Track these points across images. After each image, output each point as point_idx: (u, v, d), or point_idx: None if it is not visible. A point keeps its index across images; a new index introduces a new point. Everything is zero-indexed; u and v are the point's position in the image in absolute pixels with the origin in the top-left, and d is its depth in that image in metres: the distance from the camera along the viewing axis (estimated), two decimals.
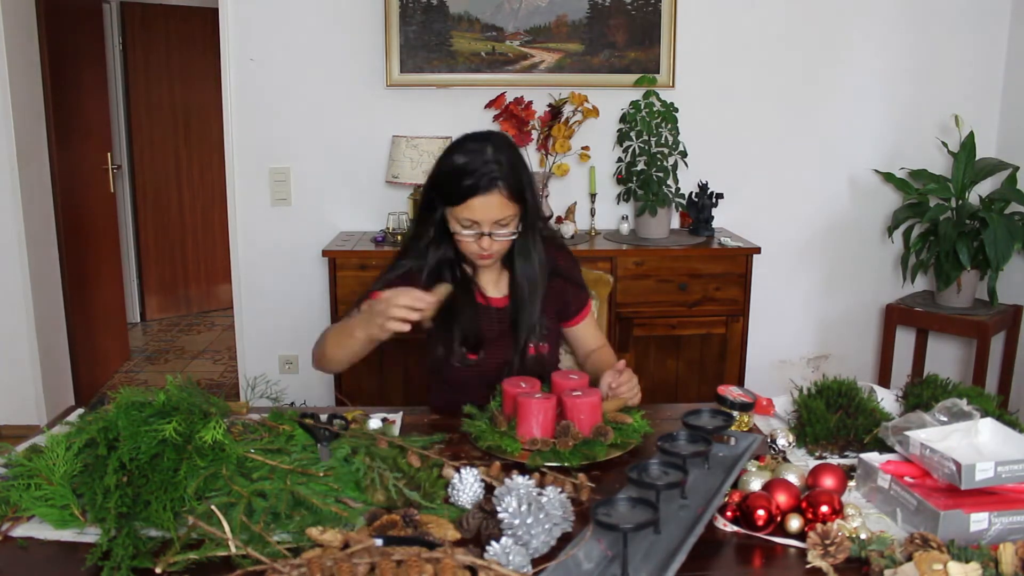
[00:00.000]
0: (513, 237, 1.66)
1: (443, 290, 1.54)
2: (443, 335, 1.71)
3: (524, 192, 1.63)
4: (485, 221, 1.61)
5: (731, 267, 3.02)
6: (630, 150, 3.12)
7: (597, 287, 2.08)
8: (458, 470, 1.25)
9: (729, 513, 1.20)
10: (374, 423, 1.49)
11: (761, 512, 1.16)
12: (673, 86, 3.26)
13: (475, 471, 1.25)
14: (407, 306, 1.45)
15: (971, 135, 3.16)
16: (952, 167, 3.21)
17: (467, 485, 1.22)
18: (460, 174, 1.59)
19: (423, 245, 1.71)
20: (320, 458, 1.26)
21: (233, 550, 1.04)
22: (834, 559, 1.08)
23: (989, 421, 1.34)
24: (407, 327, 1.47)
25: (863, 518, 1.19)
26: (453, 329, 1.70)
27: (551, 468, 1.35)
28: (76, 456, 1.20)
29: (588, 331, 1.87)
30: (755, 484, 1.26)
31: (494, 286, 1.78)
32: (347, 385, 2.96)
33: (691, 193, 3.24)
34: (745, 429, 1.53)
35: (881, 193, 3.44)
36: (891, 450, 1.34)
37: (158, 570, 1.03)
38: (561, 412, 1.47)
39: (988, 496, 1.19)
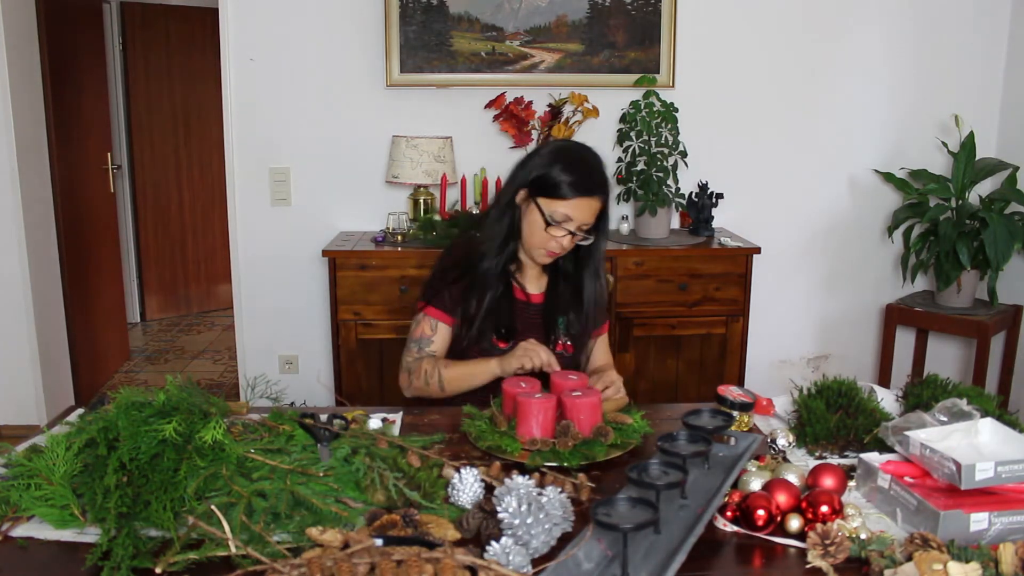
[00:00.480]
0: (587, 243, 1.78)
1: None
2: (481, 324, 1.77)
3: (608, 206, 1.78)
4: (577, 220, 1.72)
5: (731, 267, 3.02)
6: (630, 150, 3.12)
7: None
8: (458, 470, 1.25)
9: (729, 513, 1.20)
10: (374, 423, 1.49)
11: (761, 512, 1.16)
12: (673, 86, 3.26)
13: (475, 471, 1.25)
14: (546, 360, 1.64)
15: (971, 135, 3.16)
16: (952, 167, 3.21)
17: (467, 485, 1.22)
18: (583, 171, 1.72)
19: (501, 237, 1.79)
20: (320, 458, 1.26)
21: (233, 550, 1.04)
22: (834, 559, 1.08)
23: (989, 421, 1.34)
24: (534, 366, 1.64)
25: (863, 518, 1.19)
26: (491, 321, 1.78)
27: (551, 468, 1.35)
28: (76, 456, 1.20)
29: (600, 349, 1.95)
30: (755, 484, 1.26)
31: (534, 283, 1.87)
32: (347, 385, 2.96)
33: (691, 193, 3.24)
34: (745, 429, 1.54)
35: (881, 193, 3.44)
36: (891, 450, 1.34)
37: (158, 570, 1.03)
38: (561, 412, 1.47)
39: (988, 496, 1.19)
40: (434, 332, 1.81)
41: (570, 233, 1.73)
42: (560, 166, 1.72)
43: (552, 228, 1.72)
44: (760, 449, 1.42)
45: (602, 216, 1.77)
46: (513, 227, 1.79)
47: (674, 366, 3.07)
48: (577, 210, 1.71)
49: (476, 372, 1.72)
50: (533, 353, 1.64)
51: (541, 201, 1.72)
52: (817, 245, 3.48)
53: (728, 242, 3.07)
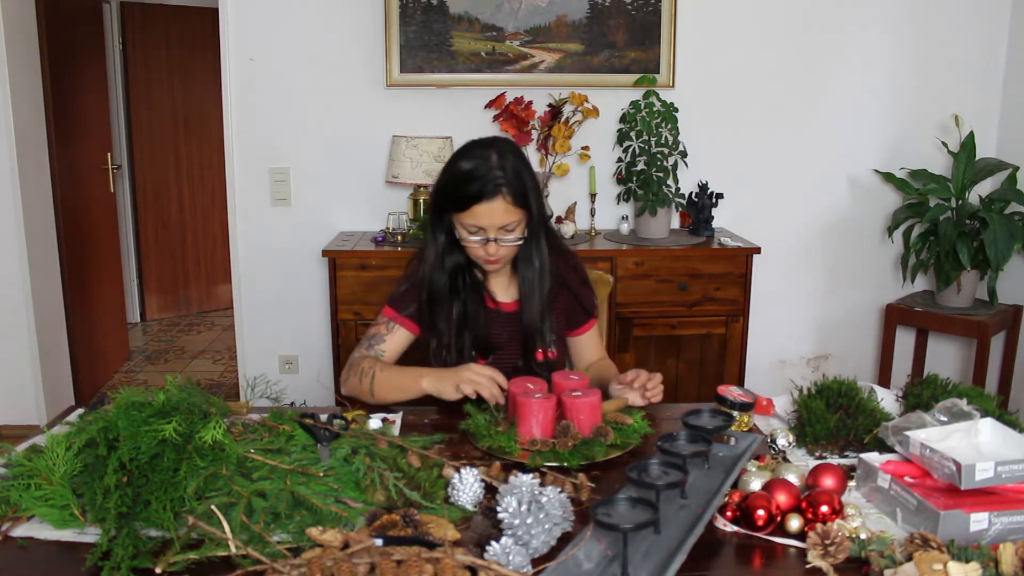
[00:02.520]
0: (519, 243, 1.68)
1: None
2: (454, 340, 1.73)
3: (528, 198, 1.65)
4: (490, 227, 1.63)
5: (731, 267, 3.02)
6: (630, 150, 3.12)
7: (597, 287, 2.08)
8: (458, 470, 1.25)
9: (729, 513, 1.19)
10: (374, 423, 1.49)
11: (761, 512, 1.16)
12: (673, 86, 3.26)
13: (475, 471, 1.25)
14: (491, 379, 1.52)
15: (971, 135, 3.16)
16: (952, 167, 3.21)
17: (467, 485, 1.22)
18: (465, 180, 1.61)
19: (436, 252, 1.73)
20: (320, 458, 1.26)
21: (233, 550, 1.04)
22: (834, 559, 1.08)
23: (989, 421, 1.34)
24: (471, 394, 1.52)
25: (863, 518, 1.19)
26: (464, 334, 1.72)
27: (551, 468, 1.34)
28: (76, 456, 1.20)
29: (590, 342, 1.90)
30: (755, 484, 1.26)
31: (504, 291, 1.80)
32: None
33: (691, 193, 3.24)
34: (745, 429, 1.53)
35: (881, 193, 3.44)
36: (891, 450, 1.34)
37: (158, 570, 1.03)
38: (561, 412, 1.47)
39: (988, 496, 1.19)
40: (389, 333, 1.74)
41: (490, 240, 1.64)
42: (452, 177, 1.64)
43: (467, 240, 1.65)
44: (760, 449, 1.42)
45: (523, 207, 1.64)
46: (451, 239, 1.72)
47: (674, 366, 3.07)
48: (483, 217, 1.61)
49: (404, 382, 1.62)
50: (476, 382, 1.52)
51: (453, 215, 1.65)
52: (817, 245, 3.48)
53: (728, 242, 3.07)
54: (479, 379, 1.52)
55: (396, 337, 1.76)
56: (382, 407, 1.65)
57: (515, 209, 1.63)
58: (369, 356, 1.72)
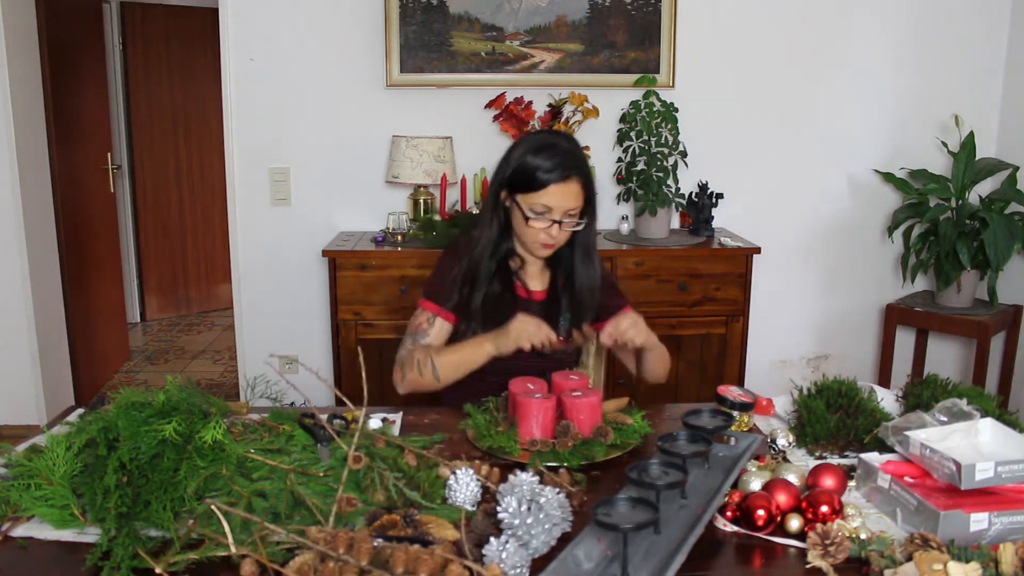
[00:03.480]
0: (579, 228, 1.75)
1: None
2: (482, 326, 1.74)
3: (592, 186, 1.74)
4: (559, 209, 1.69)
5: (731, 267, 3.02)
6: (630, 150, 3.12)
7: None
8: (454, 471, 1.24)
9: (729, 513, 1.20)
10: (374, 423, 1.49)
11: (761, 512, 1.16)
12: (673, 86, 3.26)
13: (471, 471, 1.24)
14: (538, 326, 1.62)
15: (971, 135, 3.16)
16: (952, 167, 3.21)
17: (463, 485, 1.22)
18: (543, 161, 1.68)
19: (490, 238, 1.78)
20: (320, 458, 1.26)
21: (233, 550, 1.04)
22: (834, 559, 1.08)
23: (989, 421, 1.34)
24: (528, 348, 1.63)
25: (863, 518, 1.19)
26: (491, 321, 1.74)
27: (551, 468, 1.34)
28: (76, 456, 1.20)
29: None
30: (755, 484, 1.26)
31: (537, 280, 1.85)
32: (347, 385, 2.96)
33: (691, 193, 3.24)
34: (745, 429, 1.54)
35: (881, 193, 3.44)
36: (891, 450, 1.34)
37: (158, 570, 1.03)
38: (561, 412, 1.47)
39: (988, 496, 1.19)
40: (431, 326, 1.78)
41: (555, 222, 1.70)
42: (529, 157, 1.69)
43: (534, 221, 1.70)
44: (760, 449, 1.42)
45: (589, 200, 1.73)
46: (504, 226, 1.78)
47: (674, 366, 3.04)
48: (555, 198, 1.68)
49: (471, 354, 1.69)
50: (530, 331, 1.61)
51: (519, 197, 1.71)
52: (817, 245, 3.48)
53: (728, 242, 3.07)
54: (531, 331, 1.61)
55: (439, 331, 1.79)
56: (381, 406, 1.66)
57: (581, 195, 1.71)
58: (417, 349, 1.75)
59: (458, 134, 3.24)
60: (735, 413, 1.52)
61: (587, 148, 3.18)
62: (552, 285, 1.85)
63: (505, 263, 1.80)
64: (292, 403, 1.52)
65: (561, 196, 1.68)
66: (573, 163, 1.69)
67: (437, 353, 1.71)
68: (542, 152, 1.69)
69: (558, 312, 1.80)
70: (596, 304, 1.83)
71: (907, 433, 1.29)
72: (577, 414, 1.44)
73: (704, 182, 3.23)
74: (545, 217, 1.69)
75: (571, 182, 1.68)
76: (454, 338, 1.80)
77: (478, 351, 1.68)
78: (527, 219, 1.70)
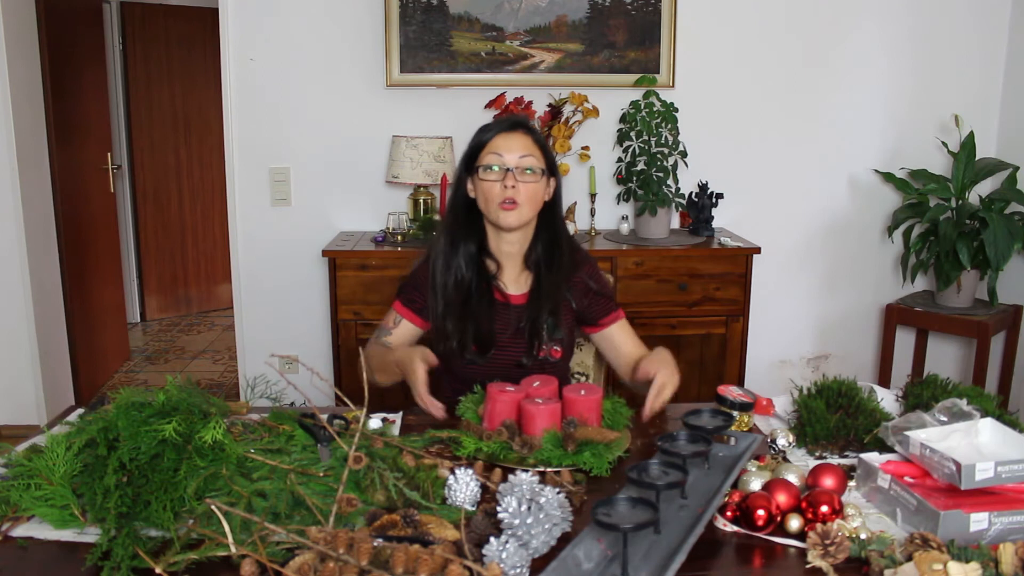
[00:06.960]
0: (536, 183, 1.69)
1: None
2: (455, 331, 1.73)
3: (548, 150, 1.73)
4: (509, 156, 1.68)
5: (731, 267, 3.02)
6: (630, 150, 3.12)
7: None
8: (453, 471, 1.24)
9: (729, 513, 1.19)
10: (374, 423, 1.48)
11: (761, 512, 1.16)
12: (673, 86, 3.26)
13: (470, 471, 1.24)
14: (417, 393, 1.57)
15: (971, 135, 3.16)
16: (952, 167, 3.21)
17: (463, 485, 1.22)
18: (488, 126, 1.73)
19: (452, 238, 1.76)
20: (320, 458, 1.26)
21: (233, 550, 1.04)
22: (834, 559, 1.08)
23: (989, 421, 1.34)
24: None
25: (863, 518, 1.19)
26: (467, 325, 1.72)
27: (542, 472, 1.34)
28: (76, 456, 1.20)
29: (621, 336, 1.83)
30: (755, 484, 1.26)
31: (515, 284, 1.80)
32: (347, 385, 2.96)
33: (691, 193, 3.24)
34: (745, 429, 1.53)
35: (881, 193, 3.44)
36: (891, 450, 1.34)
37: (158, 570, 1.03)
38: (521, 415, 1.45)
39: (988, 496, 1.19)
40: (395, 326, 1.80)
41: (508, 171, 1.66)
42: (474, 137, 1.74)
43: (488, 175, 1.68)
44: (760, 449, 1.42)
45: (541, 148, 1.71)
46: (466, 221, 1.75)
47: None
48: (502, 146, 1.68)
49: (384, 358, 1.70)
50: (412, 379, 1.57)
51: (476, 167, 1.71)
52: (817, 245, 3.48)
53: (728, 242, 3.07)
54: (412, 380, 1.57)
55: (402, 331, 1.80)
56: (382, 407, 1.65)
57: (534, 147, 1.71)
58: (376, 345, 1.77)
59: (458, 134, 3.23)
60: (735, 413, 1.52)
61: (587, 148, 3.19)
62: (533, 289, 1.78)
63: (483, 268, 1.76)
64: (292, 403, 1.52)
65: (507, 143, 1.69)
66: (518, 120, 1.74)
67: (371, 347, 1.77)
68: (488, 124, 1.76)
69: (539, 316, 1.74)
70: (608, 306, 1.80)
71: (907, 433, 1.29)
72: (532, 419, 1.42)
73: (704, 182, 3.23)
74: (498, 170, 1.67)
75: (517, 133, 1.70)
76: (431, 346, 1.75)
77: (388, 355, 1.70)
78: (481, 174, 1.69)
